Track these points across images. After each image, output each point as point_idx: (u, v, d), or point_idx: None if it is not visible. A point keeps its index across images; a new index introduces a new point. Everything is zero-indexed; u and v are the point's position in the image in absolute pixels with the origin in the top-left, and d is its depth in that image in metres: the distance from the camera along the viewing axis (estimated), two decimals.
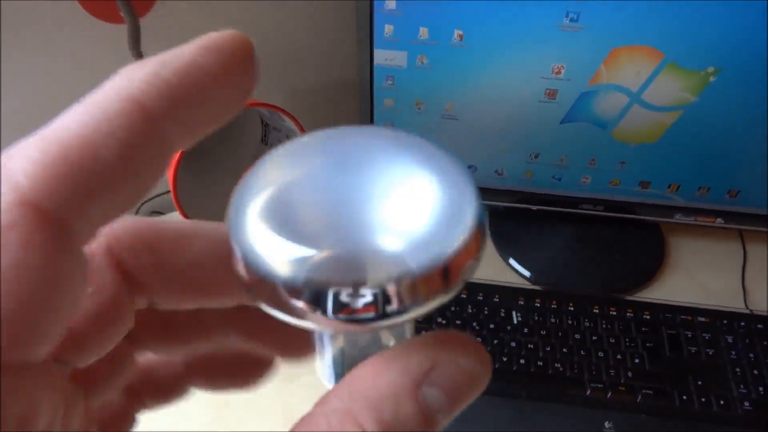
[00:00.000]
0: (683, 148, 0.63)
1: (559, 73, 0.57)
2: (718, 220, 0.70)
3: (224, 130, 0.51)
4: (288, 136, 0.43)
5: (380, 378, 0.14)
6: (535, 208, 0.73)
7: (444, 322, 0.68)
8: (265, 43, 0.72)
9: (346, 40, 0.77)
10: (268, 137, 0.46)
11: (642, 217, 0.72)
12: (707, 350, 0.66)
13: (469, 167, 0.69)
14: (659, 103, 0.59)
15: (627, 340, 0.67)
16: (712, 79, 0.56)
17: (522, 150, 0.66)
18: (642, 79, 0.57)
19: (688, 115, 0.59)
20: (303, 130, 0.42)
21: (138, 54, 0.49)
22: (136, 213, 0.74)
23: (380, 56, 0.59)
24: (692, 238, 0.79)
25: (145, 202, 0.76)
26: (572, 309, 0.69)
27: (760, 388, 0.63)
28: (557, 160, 0.66)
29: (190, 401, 0.58)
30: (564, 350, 0.66)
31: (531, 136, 0.64)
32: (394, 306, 0.13)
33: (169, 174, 0.40)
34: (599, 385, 0.63)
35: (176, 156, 0.39)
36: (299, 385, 0.64)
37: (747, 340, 0.67)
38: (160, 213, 0.79)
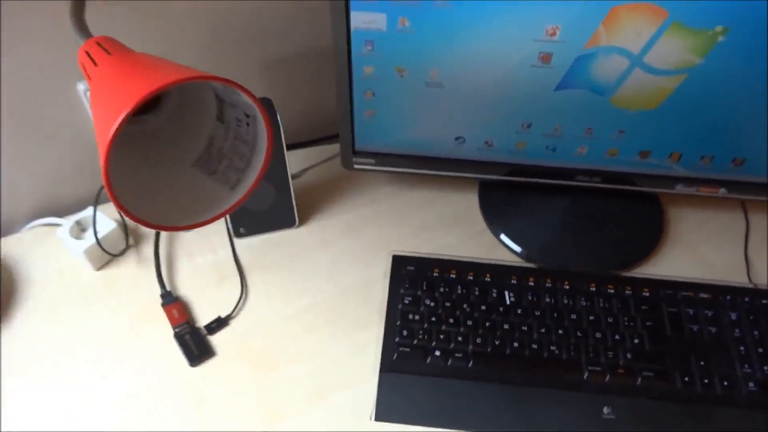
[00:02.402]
0: (686, 115, 0.58)
1: (553, 34, 0.52)
2: (722, 190, 0.66)
3: (174, 109, 0.46)
4: (246, 113, 0.38)
5: None
6: (527, 180, 0.68)
7: (433, 304, 0.64)
8: (235, 10, 0.66)
9: (320, 3, 0.71)
10: (225, 114, 0.41)
11: (641, 189, 0.67)
12: (710, 328, 0.63)
13: (457, 139, 0.64)
14: (662, 67, 0.54)
15: (626, 319, 0.63)
16: (720, 39, 0.51)
17: (513, 119, 0.61)
18: (644, 40, 0.52)
19: (692, 79, 0.55)
20: (261, 107, 0.37)
21: (81, 25, 0.43)
22: (99, 194, 0.69)
23: (357, 19, 0.53)
24: (693, 209, 0.75)
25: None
26: (567, 288, 0.65)
27: (765, 367, 0.60)
28: (551, 130, 0.62)
29: (165, 401, 0.54)
30: (560, 332, 0.62)
31: (523, 104, 0.59)
32: None
33: (103, 171, 0.34)
34: (597, 368, 0.60)
35: (105, 148, 0.33)
36: (279, 377, 0.60)
37: (751, 317, 0.64)
38: None
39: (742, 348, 0.61)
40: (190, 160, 0.41)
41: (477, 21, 0.52)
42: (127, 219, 0.71)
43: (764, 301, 0.65)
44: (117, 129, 0.31)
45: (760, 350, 0.61)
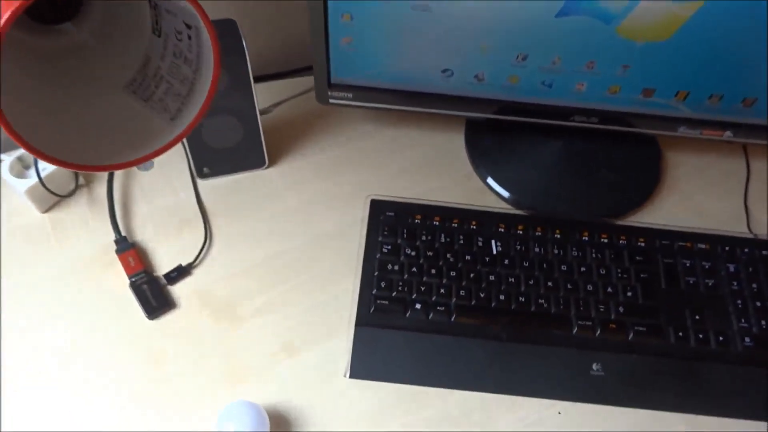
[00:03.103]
0: (699, 48, 0.52)
1: None
2: (727, 133, 0.61)
3: (99, 20, 0.38)
4: (187, 22, 0.31)
5: None
6: (518, 120, 0.62)
7: (413, 253, 0.59)
8: None
9: None
10: (161, 24, 0.34)
11: (641, 131, 0.62)
12: (706, 281, 0.59)
13: (444, 71, 0.58)
14: None
15: (619, 270, 0.59)
16: None
17: (507, 50, 0.55)
18: None
19: (709, 7, 0.49)
20: (202, 12, 0.30)
21: None
22: None
23: None
24: (692, 155, 0.70)
25: None
26: (558, 237, 0.61)
27: (763, 322, 0.57)
28: (549, 63, 0.55)
29: (120, 357, 0.48)
30: (549, 284, 0.58)
31: (519, 32, 0.53)
32: None
33: None
34: (587, 323, 0.56)
35: None
36: (245, 331, 0.55)
37: (750, 269, 0.60)
38: None
39: (739, 302, 0.58)
40: (120, 82, 0.34)
41: None
42: None
43: (764, 252, 0.61)
44: (3, 28, 0.23)
45: (758, 304, 0.58)
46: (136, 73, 0.34)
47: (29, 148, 0.28)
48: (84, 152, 0.31)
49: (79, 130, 0.32)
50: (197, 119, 0.33)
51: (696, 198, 0.67)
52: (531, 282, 0.58)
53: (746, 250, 0.61)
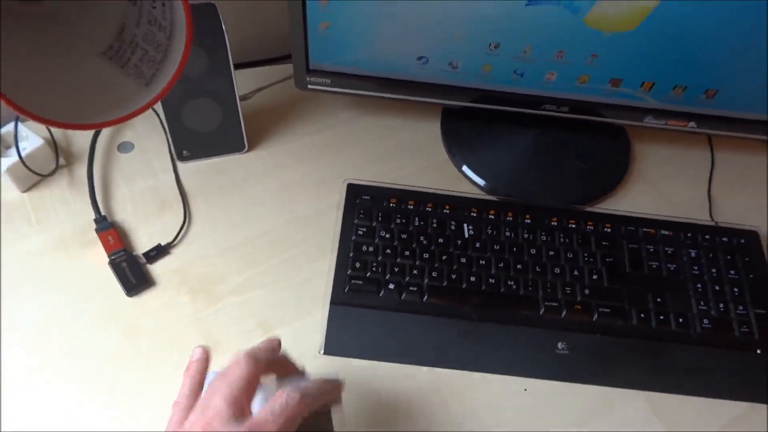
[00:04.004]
0: (663, 39, 0.54)
1: None
2: (691, 124, 0.64)
3: None
4: None
5: None
6: (492, 108, 0.64)
7: (388, 236, 0.60)
8: None
9: None
10: None
11: (609, 120, 0.64)
12: (669, 265, 0.62)
13: (420, 58, 0.59)
14: None
15: (585, 255, 0.61)
16: None
17: (480, 38, 0.56)
18: None
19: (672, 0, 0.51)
20: None
21: None
22: None
23: None
24: (659, 145, 0.73)
25: None
26: (529, 222, 0.63)
27: (720, 305, 0.59)
28: (520, 52, 0.57)
29: (98, 331, 0.49)
30: (518, 266, 0.60)
31: (492, 19, 0.54)
32: None
33: None
34: (554, 304, 0.58)
35: None
36: (222, 309, 0.56)
37: (710, 254, 0.63)
38: None
39: (699, 285, 0.61)
40: (98, 49, 0.35)
41: None
42: (56, 136, 0.65)
43: (724, 239, 0.64)
44: None
45: (717, 288, 0.61)
46: (112, 40, 0.36)
47: (19, 109, 0.30)
48: (67, 113, 0.32)
49: (62, 93, 0.33)
50: (171, 84, 0.35)
51: (662, 186, 0.69)
52: (501, 265, 0.60)
53: (707, 236, 0.64)
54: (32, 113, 0.30)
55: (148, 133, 0.68)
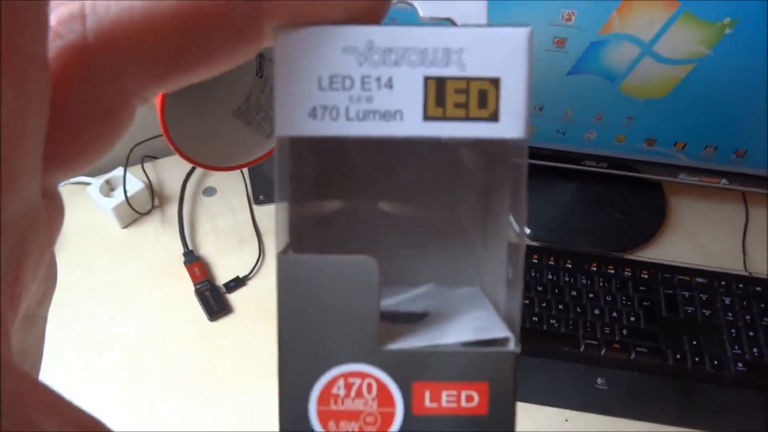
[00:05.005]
0: (693, 104, 0.61)
1: (569, 19, 0.55)
2: (723, 181, 0.69)
3: None
4: None
5: None
6: (536, 163, 0.71)
7: None
8: None
9: None
10: (263, 69, 0.44)
11: (645, 176, 0.70)
12: (704, 311, 0.66)
13: None
14: (671, 56, 0.56)
15: (623, 298, 0.66)
16: (728, 30, 0.54)
17: None
18: (655, 29, 0.55)
19: (700, 69, 0.57)
20: None
21: None
22: (129, 155, 0.72)
23: None
24: (695, 199, 0.78)
25: (137, 145, 0.74)
26: (570, 266, 0.69)
27: (755, 350, 0.63)
28: (562, 114, 0.65)
29: (184, 350, 0.57)
30: (560, 306, 0.65)
31: (536, 87, 0.62)
32: None
33: (159, 114, 0.39)
34: (593, 342, 0.63)
35: (161, 97, 0.37)
36: None
37: (744, 302, 0.66)
38: (154, 157, 0.78)
39: (733, 331, 0.64)
40: (231, 110, 0.44)
41: (493, 3, 0.55)
42: (152, 181, 0.74)
43: (758, 289, 0.68)
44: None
45: (751, 333, 0.64)
46: (242, 104, 0.45)
47: (182, 155, 0.40)
48: (211, 158, 0.41)
49: (208, 143, 0.42)
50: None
51: (697, 238, 0.74)
52: (543, 304, 0.65)
53: (741, 285, 0.68)
54: (190, 158, 0.39)
55: (229, 180, 0.77)
